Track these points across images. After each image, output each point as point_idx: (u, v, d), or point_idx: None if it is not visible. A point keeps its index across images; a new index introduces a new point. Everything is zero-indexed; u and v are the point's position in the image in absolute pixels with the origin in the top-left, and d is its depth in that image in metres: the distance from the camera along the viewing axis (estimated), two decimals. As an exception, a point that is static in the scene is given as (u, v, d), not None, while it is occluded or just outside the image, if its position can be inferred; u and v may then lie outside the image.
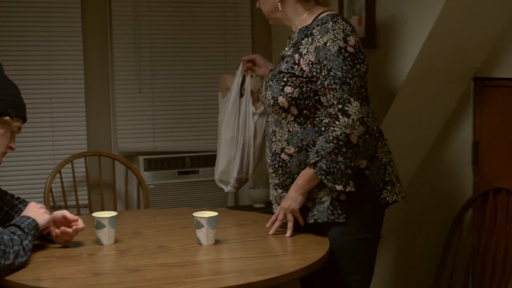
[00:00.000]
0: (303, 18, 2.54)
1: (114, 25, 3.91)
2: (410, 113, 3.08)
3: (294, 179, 2.50)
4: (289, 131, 2.50)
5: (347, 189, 2.41)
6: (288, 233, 2.50)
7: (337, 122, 2.35)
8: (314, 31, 2.43)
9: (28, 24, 3.77)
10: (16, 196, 2.54)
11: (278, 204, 2.61)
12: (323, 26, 2.40)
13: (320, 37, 2.39)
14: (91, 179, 3.77)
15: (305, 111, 2.46)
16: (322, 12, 2.50)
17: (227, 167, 2.95)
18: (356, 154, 2.38)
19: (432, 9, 2.69)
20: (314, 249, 2.34)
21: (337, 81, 2.35)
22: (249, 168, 2.95)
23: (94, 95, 3.95)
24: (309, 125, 2.47)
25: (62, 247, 2.37)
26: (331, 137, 2.35)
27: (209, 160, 4.03)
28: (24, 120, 2.43)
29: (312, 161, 2.40)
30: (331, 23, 2.40)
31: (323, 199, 2.48)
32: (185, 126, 4.07)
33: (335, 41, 2.36)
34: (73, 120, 3.88)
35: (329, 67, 2.35)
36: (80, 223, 2.38)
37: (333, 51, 2.35)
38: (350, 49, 2.37)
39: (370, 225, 2.54)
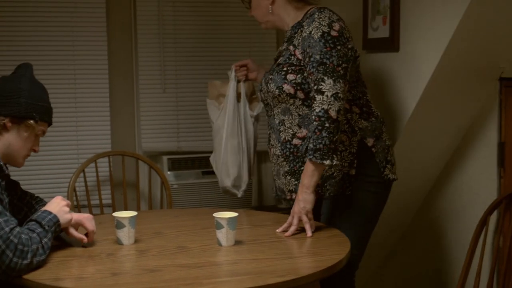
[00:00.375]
0: (294, 17, 2.70)
1: (138, 24, 3.92)
2: (434, 114, 3.04)
3: (304, 162, 2.58)
4: (299, 115, 2.63)
5: (334, 163, 2.48)
6: (309, 233, 2.50)
7: (315, 102, 2.48)
8: (304, 23, 2.60)
9: (53, 24, 3.78)
10: (35, 196, 2.55)
11: (290, 191, 2.72)
12: (310, 17, 2.58)
13: (307, 28, 2.56)
14: (115, 178, 3.78)
15: (310, 94, 2.58)
16: (312, 8, 2.67)
17: (238, 172, 3.03)
18: (337, 129, 2.48)
19: (457, 8, 2.65)
20: (335, 251, 2.32)
21: (314, 64, 2.50)
22: (251, 170, 3.08)
23: (118, 95, 3.96)
24: None
25: (82, 247, 2.37)
26: (314, 116, 2.47)
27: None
28: (49, 123, 2.45)
29: (304, 148, 2.60)
30: (317, 13, 2.57)
31: (334, 174, 2.64)
32: (209, 126, 4.02)
33: (319, 27, 2.52)
34: (97, 120, 3.89)
35: (310, 54, 2.52)
36: (90, 238, 2.39)
37: (316, 37, 2.51)
38: (333, 33, 2.52)
39: (375, 204, 2.74)
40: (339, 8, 3.58)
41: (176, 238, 2.52)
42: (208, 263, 2.20)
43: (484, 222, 2.87)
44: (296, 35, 2.63)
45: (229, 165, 3.03)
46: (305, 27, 2.57)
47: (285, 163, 2.70)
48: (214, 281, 2.02)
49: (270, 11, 2.73)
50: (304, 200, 2.51)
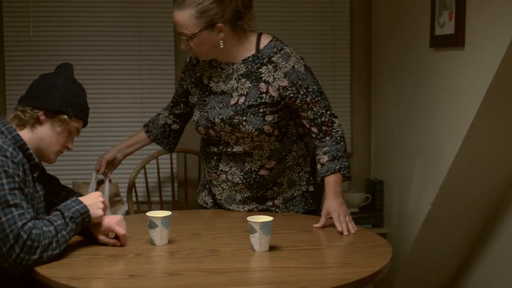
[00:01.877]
0: (240, 48, 2.63)
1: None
2: (499, 116, 2.79)
3: (268, 189, 2.76)
4: (270, 149, 2.69)
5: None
6: (353, 230, 2.54)
7: (334, 125, 2.67)
8: (273, 58, 2.59)
9: (119, 20, 3.81)
10: (74, 192, 2.54)
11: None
12: (282, 52, 2.60)
13: (286, 63, 2.59)
14: (177, 176, 3.74)
15: (282, 129, 2.69)
16: (260, 38, 2.64)
17: None
18: None
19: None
20: (372, 263, 2.15)
21: (317, 94, 2.63)
22: None
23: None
24: (285, 139, 2.71)
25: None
26: (338, 138, 2.67)
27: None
28: (84, 122, 2.43)
29: (337, 167, 2.64)
30: (286, 48, 2.61)
31: (294, 194, 2.79)
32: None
33: (299, 61, 2.61)
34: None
35: (305, 85, 2.60)
36: (122, 241, 2.34)
37: (302, 71, 2.60)
38: (307, 65, 2.64)
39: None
40: (407, 5, 3.41)
41: (211, 241, 2.43)
42: (233, 269, 2.10)
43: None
44: (261, 70, 2.61)
45: None
46: (282, 62, 2.59)
47: (246, 189, 2.75)
48: (228, 290, 1.91)
49: (222, 46, 2.58)
50: (344, 203, 2.63)
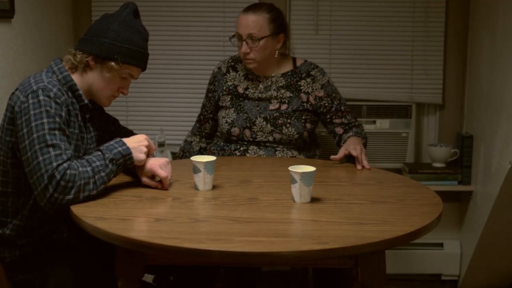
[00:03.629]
0: (281, 63, 3.07)
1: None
2: None
3: None
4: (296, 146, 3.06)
5: None
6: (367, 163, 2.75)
7: (356, 120, 3.11)
8: (312, 72, 3.07)
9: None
10: (131, 132, 2.56)
11: None
12: (318, 69, 3.10)
13: (322, 77, 3.07)
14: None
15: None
16: (295, 59, 3.10)
17: None
18: None
19: None
20: (412, 222, 2.01)
21: (347, 105, 3.11)
22: None
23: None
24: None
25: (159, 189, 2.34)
26: (363, 133, 3.06)
27: (388, 110, 3.76)
28: (141, 67, 2.38)
29: (364, 138, 3.04)
30: (318, 66, 3.12)
31: None
32: (364, 72, 3.79)
33: (330, 79, 3.10)
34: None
35: (338, 98, 3.09)
36: (164, 184, 2.32)
37: (334, 86, 3.10)
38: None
39: None
40: None
41: (256, 189, 2.38)
42: (261, 219, 2.04)
43: None
44: (301, 83, 3.04)
45: None
46: (319, 76, 3.06)
47: None
48: (246, 240, 1.85)
49: (276, 55, 3.02)
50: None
